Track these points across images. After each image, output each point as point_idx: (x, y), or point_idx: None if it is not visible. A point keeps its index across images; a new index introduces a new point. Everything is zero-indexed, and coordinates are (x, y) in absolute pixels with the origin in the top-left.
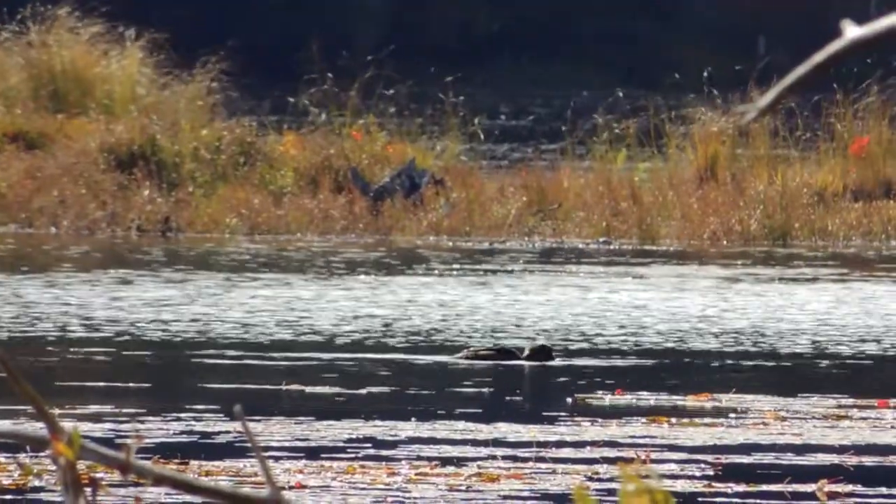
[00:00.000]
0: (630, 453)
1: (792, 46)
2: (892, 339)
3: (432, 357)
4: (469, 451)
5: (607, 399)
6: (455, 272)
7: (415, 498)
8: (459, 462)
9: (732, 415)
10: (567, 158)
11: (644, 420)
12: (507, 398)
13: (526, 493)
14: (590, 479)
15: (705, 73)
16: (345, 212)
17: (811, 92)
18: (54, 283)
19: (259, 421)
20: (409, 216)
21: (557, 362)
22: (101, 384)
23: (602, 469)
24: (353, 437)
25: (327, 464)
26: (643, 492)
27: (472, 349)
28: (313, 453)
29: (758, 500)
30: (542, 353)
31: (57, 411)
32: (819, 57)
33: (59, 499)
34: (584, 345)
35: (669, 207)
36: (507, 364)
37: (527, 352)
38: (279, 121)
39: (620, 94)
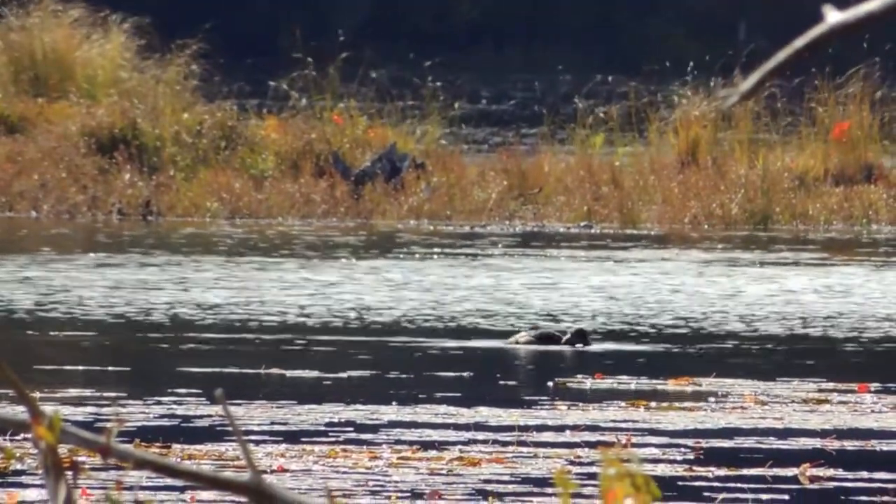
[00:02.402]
0: (611, 437)
1: (772, 32)
2: (872, 324)
3: (413, 340)
4: (450, 435)
5: (588, 383)
6: (436, 256)
7: (396, 482)
8: (441, 446)
9: (713, 399)
10: (548, 143)
11: (624, 404)
12: (488, 382)
13: (507, 477)
14: (571, 463)
15: (690, 63)
16: (326, 196)
17: (793, 77)
18: (35, 267)
19: (240, 405)
20: (390, 200)
21: (541, 347)
22: (82, 368)
23: (583, 453)
24: (335, 420)
25: (308, 448)
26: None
27: (514, 337)
28: (294, 437)
29: (739, 485)
30: (580, 336)
31: (37, 395)
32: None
33: (40, 482)
34: (563, 328)
35: (650, 192)
36: (548, 349)
37: (567, 335)
38: (260, 105)
39: (608, 79)
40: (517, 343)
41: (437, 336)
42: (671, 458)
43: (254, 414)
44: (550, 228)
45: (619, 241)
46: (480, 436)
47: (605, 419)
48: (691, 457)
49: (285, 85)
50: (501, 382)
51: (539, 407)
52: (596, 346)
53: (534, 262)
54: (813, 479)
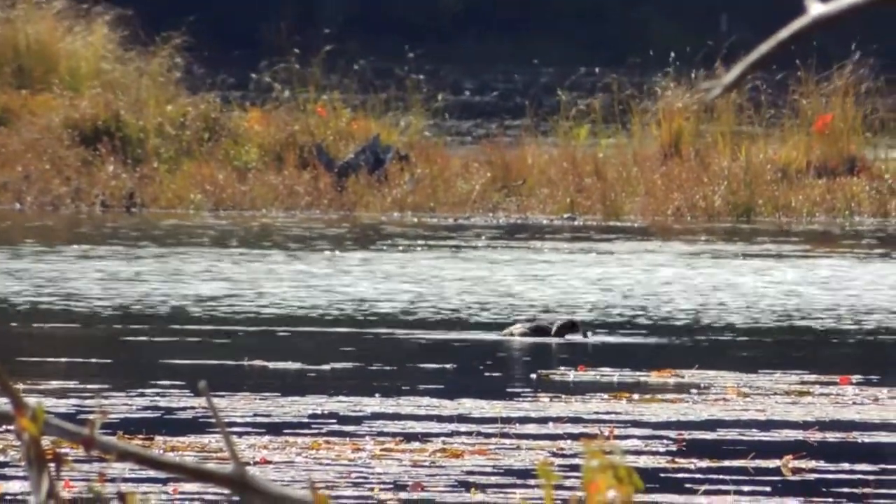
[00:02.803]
0: (593, 429)
1: (754, 23)
2: (854, 316)
3: (396, 332)
4: (433, 426)
5: (571, 375)
6: (420, 247)
7: (379, 473)
8: (423, 438)
9: (695, 391)
10: (531, 135)
11: (607, 396)
12: (472, 374)
13: (490, 469)
14: (553, 454)
15: (672, 54)
16: (309, 188)
17: (776, 69)
18: (18, 259)
19: (223, 397)
20: (374, 192)
21: (518, 338)
22: (65, 360)
23: (566, 445)
24: (318, 412)
25: (291, 439)
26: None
27: (509, 329)
28: (277, 429)
29: (721, 476)
30: (569, 328)
31: (20, 387)
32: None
33: (23, 474)
34: (547, 319)
35: (633, 183)
36: (539, 341)
37: (554, 328)
38: (243, 97)
39: (591, 71)
40: (512, 335)
41: (421, 328)
42: (654, 449)
43: (237, 406)
44: (534, 220)
45: (602, 232)
46: (463, 428)
47: (588, 411)
48: (674, 448)
49: (268, 77)
50: (485, 374)
51: (522, 399)
52: (578, 338)
53: (517, 254)
54: (795, 470)
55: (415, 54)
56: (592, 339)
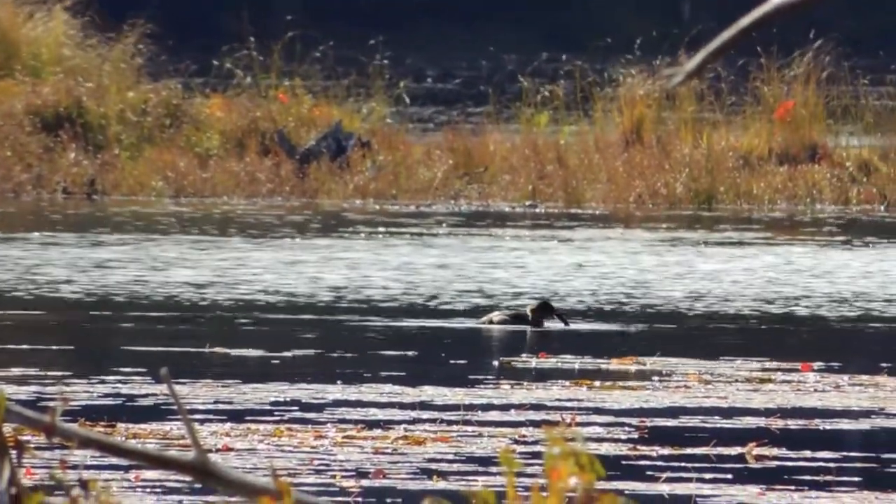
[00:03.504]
0: (555, 416)
1: (716, 11)
2: (815, 303)
3: (358, 319)
4: (395, 414)
5: (533, 362)
6: (381, 234)
7: (341, 461)
8: (385, 425)
9: (657, 378)
10: (493, 121)
11: (569, 383)
12: (434, 361)
13: (452, 456)
14: (515, 442)
15: (636, 41)
16: (271, 174)
17: (737, 56)
18: None
19: (185, 384)
20: (336, 179)
21: (475, 325)
22: (26, 346)
23: (527, 432)
24: (280, 399)
25: (253, 426)
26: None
27: (487, 316)
28: (239, 416)
29: (683, 464)
30: (544, 309)
31: None
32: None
33: None
34: (509, 306)
35: (595, 171)
36: (520, 328)
37: (528, 311)
38: (205, 83)
39: (553, 57)
40: (491, 322)
41: (382, 315)
42: (615, 437)
43: (198, 393)
44: (495, 207)
45: (564, 220)
46: (425, 415)
47: (550, 398)
48: (636, 436)
49: (230, 64)
50: (447, 362)
51: (484, 386)
52: (559, 325)
53: (479, 241)
54: (757, 457)
55: (375, 41)
56: (552, 326)
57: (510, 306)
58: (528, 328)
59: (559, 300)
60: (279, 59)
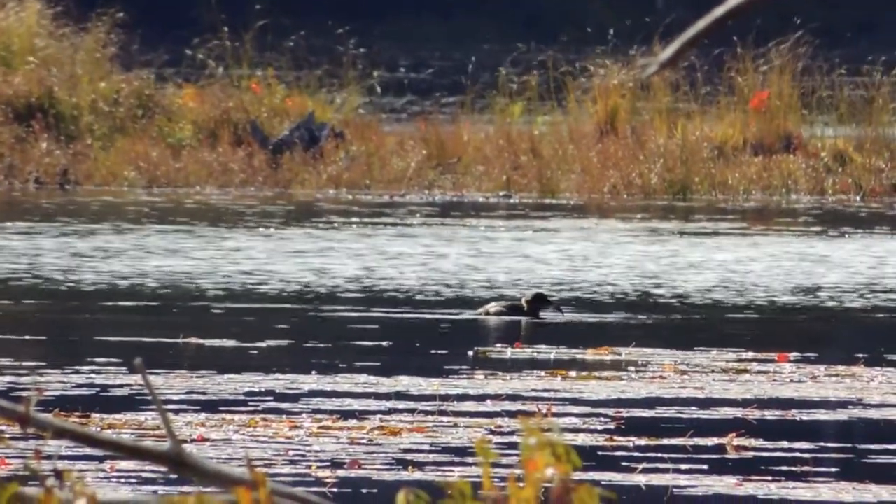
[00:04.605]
0: (531, 407)
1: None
2: (791, 293)
3: (333, 309)
4: (371, 404)
5: (508, 352)
6: (355, 225)
7: (316, 451)
8: (361, 415)
9: (632, 368)
10: (467, 112)
11: (544, 374)
12: (409, 351)
13: (427, 447)
14: (491, 432)
15: (610, 32)
16: (244, 165)
17: (712, 46)
18: None
19: (159, 374)
20: (309, 169)
21: (454, 316)
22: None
23: (503, 422)
24: (254, 390)
25: (228, 417)
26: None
27: (484, 307)
28: (214, 406)
29: (659, 454)
30: (539, 300)
31: None
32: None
33: None
34: (484, 297)
35: (569, 161)
36: (516, 318)
37: (524, 303)
38: (177, 73)
39: (527, 47)
40: (487, 313)
41: (357, 305)
42: (592, 427)
43: (173, 383)
44: (469, 198)
45: (538, 210)
46: (401, 405)
47: (526, 388)
48: (612, 426)
49: (202, 54)
50: (422, 352)
51: (459, 376)
52: (556, 315)
53: (453, 231)
54: (734, 448)
55: (347, 30)
56: (529, 316)
57: (505, 296)
58: (523, 318)
59: (533, 290)
60: (251, 49)
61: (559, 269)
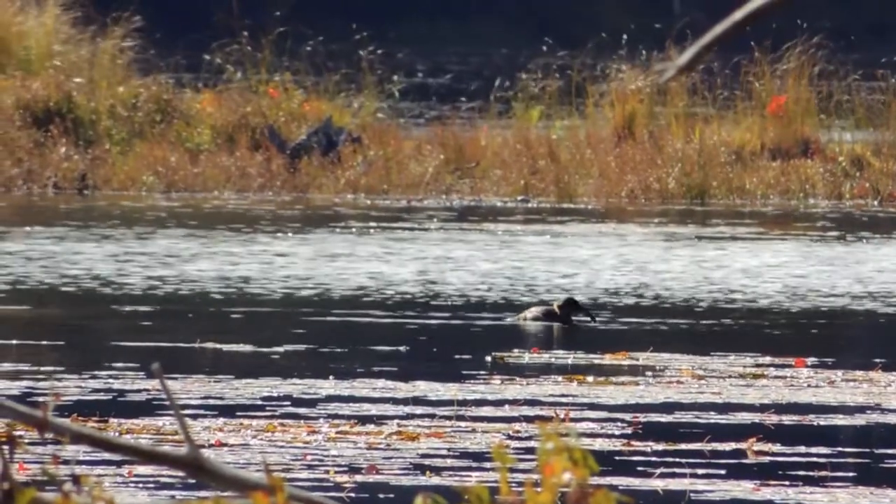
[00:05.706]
0: (549, 412)
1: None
2: (808, 298)
3: (351, 314)
4: (388, 409)
5: (525, 358)
6: (373, 230)
7: (334, 456)
8: (379, 420)
9: (650, 373)
10: (485, 117)
11: (562, 379)
12: (427, 357)
13: (445, 452)
14: (509, 437)
15: (625, 36)
16: (262, 169)
17: (730, 51)
18: None
19: (177, 379)
20: (327, 174)
21: (472, 321)
22: (17, 342)
23: (521, 427)
24: (272, 395)
25: (246, 422)
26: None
27: (522, 313)
28: (232, 411)
29: (677, 459)
30: (570, 305)
31: None
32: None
33: None
34: (501, 302)
35: (587, 165)
36: (550, 324)
37: (556, 308)
38: (195, 78)
39: (545, 51)
40: (525, 319)
41: (375, 310)
42: (609, 432)
43: (191, 388)
44: (487, 202)
45: (556, 215)
46: (419, 410)
47: (543, 394)
48: (629, 431)
49: (220, 59)
50: (440, 357)
51: (477, 381)
52: (586, 319)
53: (471, 236)
54: (753, 453)
55: (364, 36)
56: (548, 321)
57: (543, 301)
58: (556, 324)
59: (551, 296)
60: (270, 55)
61: (582, 274)
